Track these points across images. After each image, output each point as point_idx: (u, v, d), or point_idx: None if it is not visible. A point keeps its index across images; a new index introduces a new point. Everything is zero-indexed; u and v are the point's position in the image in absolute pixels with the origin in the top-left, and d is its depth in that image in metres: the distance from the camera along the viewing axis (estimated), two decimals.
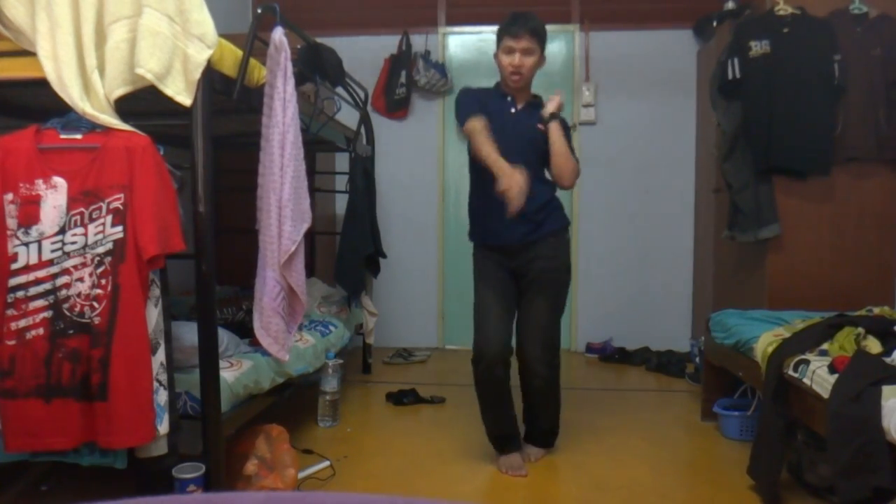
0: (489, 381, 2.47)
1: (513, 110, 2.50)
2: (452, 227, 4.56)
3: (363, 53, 4.43)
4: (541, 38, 2.44)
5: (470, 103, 2.45)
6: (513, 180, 2.19)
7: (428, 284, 4.66)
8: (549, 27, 4.39)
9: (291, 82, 2.21)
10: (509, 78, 2.45)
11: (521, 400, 2.63)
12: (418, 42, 4.51)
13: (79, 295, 1.75)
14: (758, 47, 3.04)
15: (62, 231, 1.76)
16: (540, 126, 2.47)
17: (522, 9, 2.53)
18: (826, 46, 2.99)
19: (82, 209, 1.76)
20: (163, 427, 1.82)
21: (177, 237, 1.81)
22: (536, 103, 2.54)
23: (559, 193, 2.58)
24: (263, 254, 2.27)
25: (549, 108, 2.47)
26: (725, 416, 2.83)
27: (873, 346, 2.12)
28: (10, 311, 1.75)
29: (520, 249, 2.48)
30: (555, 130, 2.44)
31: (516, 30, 2.39)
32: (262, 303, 2.29)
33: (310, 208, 2.36)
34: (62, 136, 1.80)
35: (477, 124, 2.36)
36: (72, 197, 1.76)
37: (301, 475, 2.32)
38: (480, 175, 2.42)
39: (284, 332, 2.36)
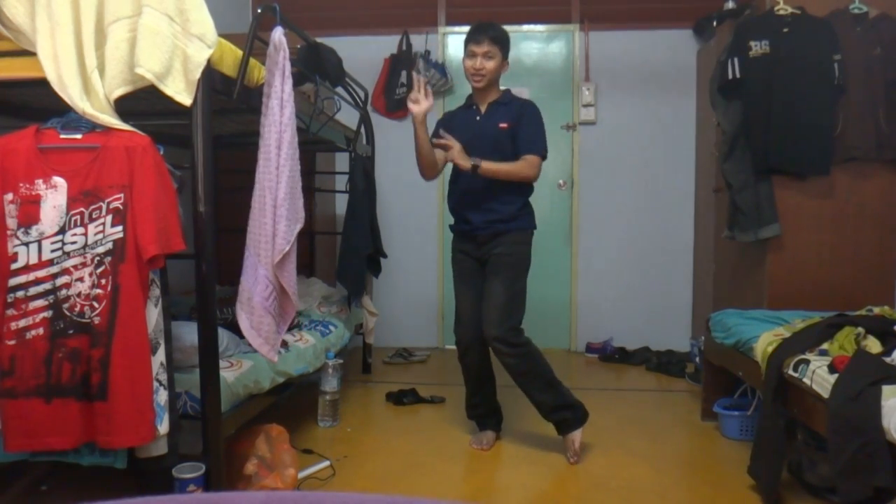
0: (467, 362, 2.73)
1: (478, 118, 2.71)
2: None
3: (363, 53, 4.42)
4: (502, 44, 2.65)
5: (434, 132, 2.67)
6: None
7: (428, 284, 4.66)
8: (549, 27, 4.44)
9: (289, 82, 2.21)
10: (472, 80, 2.67)
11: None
12: (418, 42, 4.51)
13: (79, 295, 1.75)
14: (758, 47, 3.03)
15: (62, 231, 1.76)
16: (502, 125, 2.65)
17: (521, 10, 2.57)
18: (826, 46, 2.99)
19: (82, 209, 1.76)
20: (163, 427, 1.82)
21: (177, 237, 1.81)
22: (501, 101, 2.71)
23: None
24: (255, 252, 2.25)
25: (464, 166, 2.55)
26: (725, 415, 2.84)
27: (873, 345, 2.12)
28: (10, 311, 1.75)
29: (487, 238, 2.67)
30: (486, 170, 2.55)
31: (478, 37, 2.63)
32: (252, 302, 2.27)
33: (303, 208, 2.35)
34: (62, 136, 1.80)
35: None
36: (72, 197, 1.76)
37: (301, 475, 2.32)
38: (456, 170, 2.69)
39: (275, 332, 2.34)
